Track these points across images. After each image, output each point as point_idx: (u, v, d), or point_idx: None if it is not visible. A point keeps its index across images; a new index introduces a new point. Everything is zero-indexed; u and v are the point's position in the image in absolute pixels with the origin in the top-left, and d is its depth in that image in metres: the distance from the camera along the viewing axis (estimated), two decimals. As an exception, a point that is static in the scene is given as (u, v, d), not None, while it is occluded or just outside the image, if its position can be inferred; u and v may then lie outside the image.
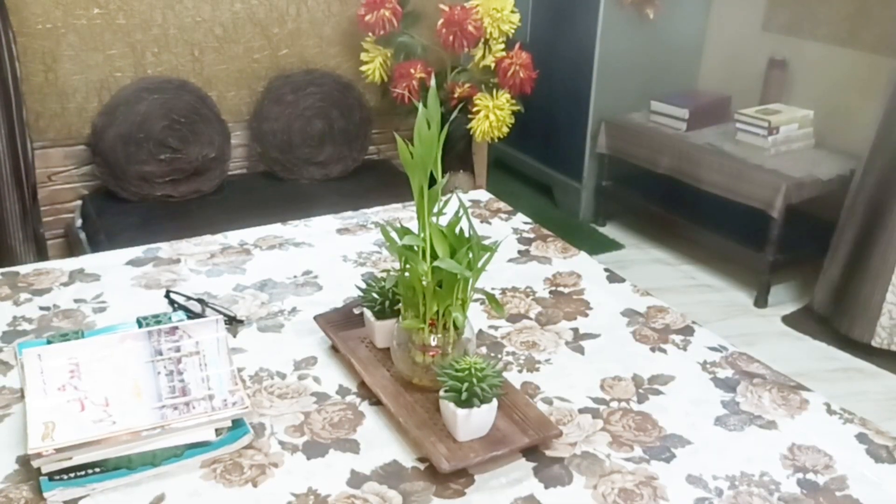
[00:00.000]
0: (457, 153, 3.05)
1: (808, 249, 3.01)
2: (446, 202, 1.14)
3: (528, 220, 1.79)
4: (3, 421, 1.07)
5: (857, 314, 2.64)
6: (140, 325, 1.16)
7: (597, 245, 3.38)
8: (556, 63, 3.49)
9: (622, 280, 1.52)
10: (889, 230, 2.55)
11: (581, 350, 1.28)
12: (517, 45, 2.84)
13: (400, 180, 1.41)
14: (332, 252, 1.60)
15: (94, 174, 2.65)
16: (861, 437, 1.09)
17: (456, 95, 2.85)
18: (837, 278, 2.73)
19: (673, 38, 3.52)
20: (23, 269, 1.50)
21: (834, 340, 2.72)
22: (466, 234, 1.10)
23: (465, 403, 1.01)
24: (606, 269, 1.56)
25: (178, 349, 1.08)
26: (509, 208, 1.85)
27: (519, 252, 1.62)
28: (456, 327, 1.12)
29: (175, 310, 1.32)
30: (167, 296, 1.37)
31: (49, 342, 1.10)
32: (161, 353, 1.07)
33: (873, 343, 2.60)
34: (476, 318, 1.36)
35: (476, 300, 1.39)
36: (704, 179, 3.06)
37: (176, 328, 1.09)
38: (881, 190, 2.59)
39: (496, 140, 2.90)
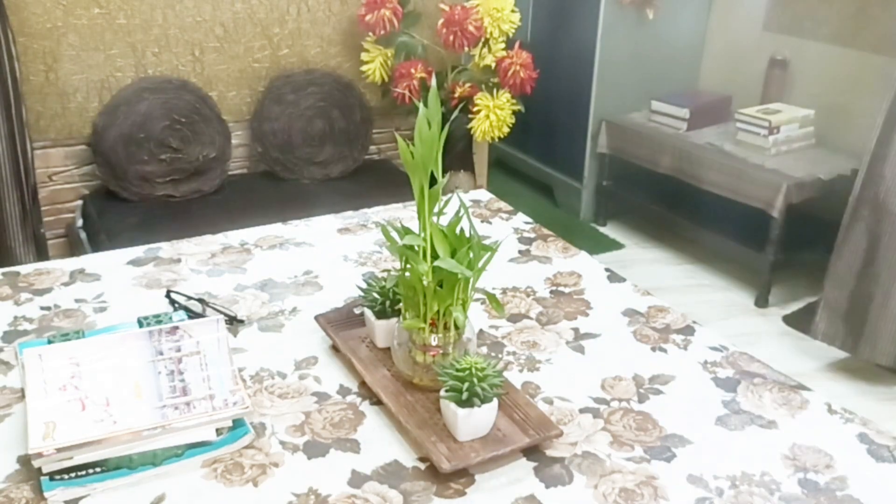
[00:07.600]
0: (457, 153, 3.05)
1: (808, 249, 3.02)
2: (447, 202, 1.14)
3: (529, 219, 1.79)
4: (3, 421, 1.07)
5: (878, 337, 2.46)
6: (141, 325, 1.16)
7: (597, 245, 3.38)
8: (557, 63, 3.49)
9: (623, 280, 1.52)
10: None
11: (581, 350, 1.28)
12: (517, 45, 2.84)
13: (400, 180, 1.41)
14: (333, 252, 1.60)
15: (94, 174, 2.66)
16: (862, 437, 1.09)
17: (456, 95, 2.85)
18: (845, 302, 2.55)
19: (674, 37, 3.52)
20: (23, 268, 1.50)
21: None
22: (467, 234, 1.10)
23: (466, 403, 1.01)
24: (607, 269, 1.56)
25: (178, 349, 1.08)
26: (510, 208, 1.85)
27: (519, 252, 1.62)
28: (457, 327, 1.12)
29: (176, 309, 1.32)
30: (168, 295, 1.37)
31: (50, 342, 1.10)
32: (162, 353, 1.07)
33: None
34: (476, 317, 1.36)
35: (477, 300, 1.39)
36: (705, 179, 3.06)
37: (177, 328, 1.09)
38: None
39: (497, 140, 2.90)
